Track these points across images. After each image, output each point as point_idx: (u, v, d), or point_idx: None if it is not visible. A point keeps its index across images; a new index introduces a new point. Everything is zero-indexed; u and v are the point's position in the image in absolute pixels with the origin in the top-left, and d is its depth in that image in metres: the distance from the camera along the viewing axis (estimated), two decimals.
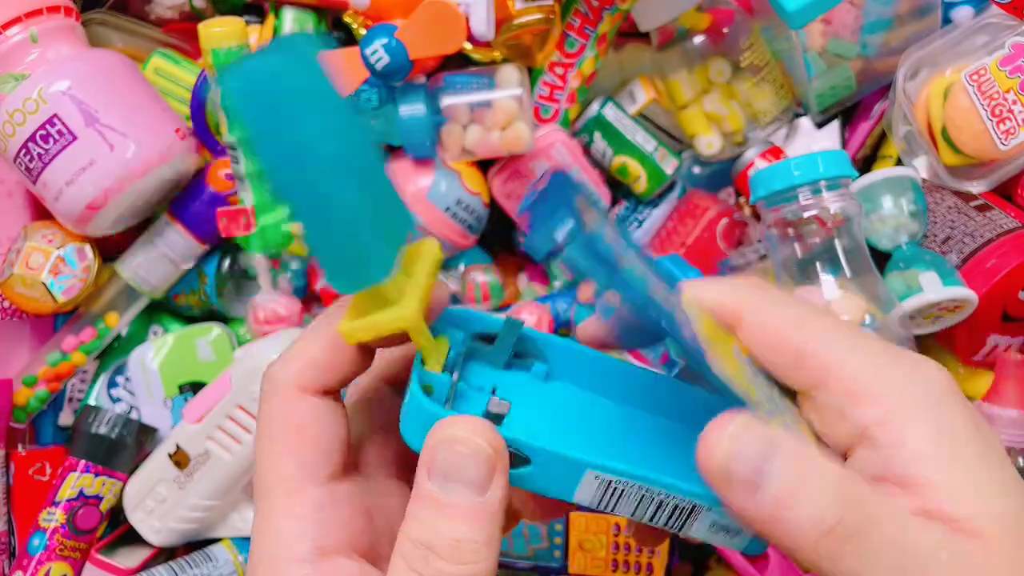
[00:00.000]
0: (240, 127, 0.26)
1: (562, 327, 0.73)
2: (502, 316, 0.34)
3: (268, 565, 0.28)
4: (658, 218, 0.74)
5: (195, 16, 0.74)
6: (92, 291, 0.69)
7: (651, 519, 0.30)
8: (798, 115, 0.76)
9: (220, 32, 0.61)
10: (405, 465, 0.33)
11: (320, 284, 0.70)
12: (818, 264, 0.58)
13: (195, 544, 0.66)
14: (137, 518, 0.64)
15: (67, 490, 0.65)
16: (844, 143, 0.76)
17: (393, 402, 0.32)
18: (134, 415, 0.71)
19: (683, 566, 0.73)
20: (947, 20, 0.71)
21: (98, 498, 0.65)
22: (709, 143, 0.73)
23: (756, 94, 0.71)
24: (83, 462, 0.65)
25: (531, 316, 0.69)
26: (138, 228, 0.70)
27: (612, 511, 0.30)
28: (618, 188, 0.75)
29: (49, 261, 0.66)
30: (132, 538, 0.67)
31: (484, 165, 0.72)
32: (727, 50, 0.70)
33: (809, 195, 0.58)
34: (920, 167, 0.72)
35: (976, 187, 0.70)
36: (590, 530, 0.64)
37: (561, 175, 0.30)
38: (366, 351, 0.30)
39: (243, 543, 0.64)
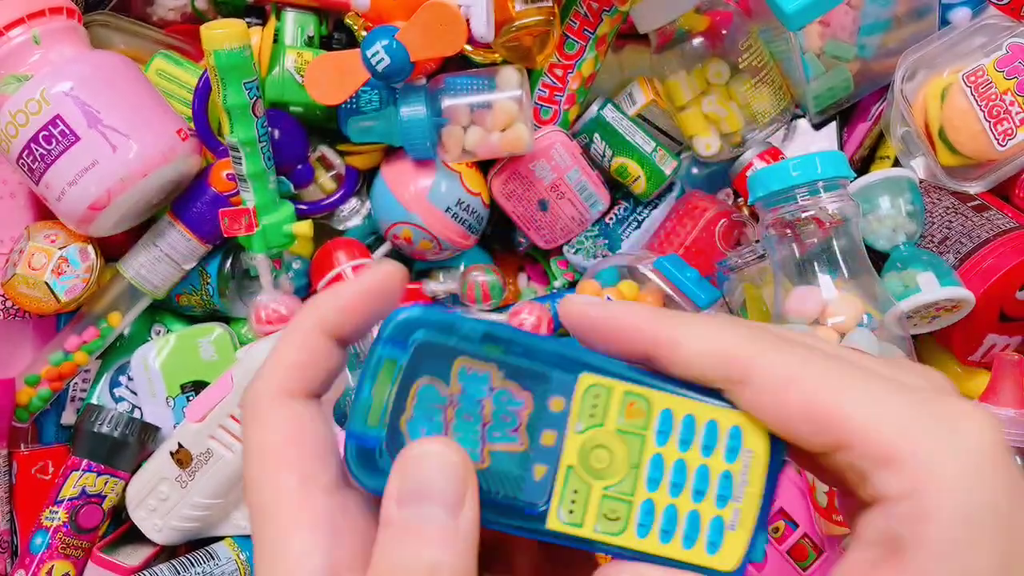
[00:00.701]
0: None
1: (562, 327, 0.73)
2: (464, 312, 0.31)
3: None
4: (657, 219, 0.74)
5: (197, 18, 0.74)
6: (95, 291, 0.69)
7: None
8: (796, 116, 0.76)
9: (222, 34, 0.61)
10: None
11: (320, 284, 0.71)
12: (816, 264, 0.59)
13: (197, 542, 0.66)
14: (139, 516, 0.64)
15: (69, 489, 0.65)
16: (842, 144, 0.76)
17: None
18: (136, 414, 0.71)
19: None
20: (945, 22, 0.71)
21: (100, 497, 0.65)
22: (708, 144, 0.73)
23: (754, 95, 0.71)
24: (85, 461, 0.65)
25: (531, 316, 0.69)
26: (140, 228, 0.70)
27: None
28: (617, 189, 0.75)
29: (52, 261, 0.66)
30: (134, 536, 0.67)
31: (484, 166, 0.72)
32: (726, 52, 0.70)
33: (807, 196, 0.59)
34: (918, 168, 0.72)
35: (973, 187, 0.70)
36: None
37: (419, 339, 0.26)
38: (343, 345, 0.28)
39: (245, 541, 0.64)
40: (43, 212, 0.70)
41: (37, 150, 0.62)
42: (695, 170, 0.78)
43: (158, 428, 0.69)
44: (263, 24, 0.72)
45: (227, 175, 0.68)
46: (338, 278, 0.69)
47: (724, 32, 0.70)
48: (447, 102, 0.65)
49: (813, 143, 0.76)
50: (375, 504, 0.26)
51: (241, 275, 0.73)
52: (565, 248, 0.75)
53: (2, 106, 0.62)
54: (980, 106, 0.66)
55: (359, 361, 0.64)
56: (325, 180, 0.73)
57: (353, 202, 0.74)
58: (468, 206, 0.70)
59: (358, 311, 0.28)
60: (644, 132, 0.73)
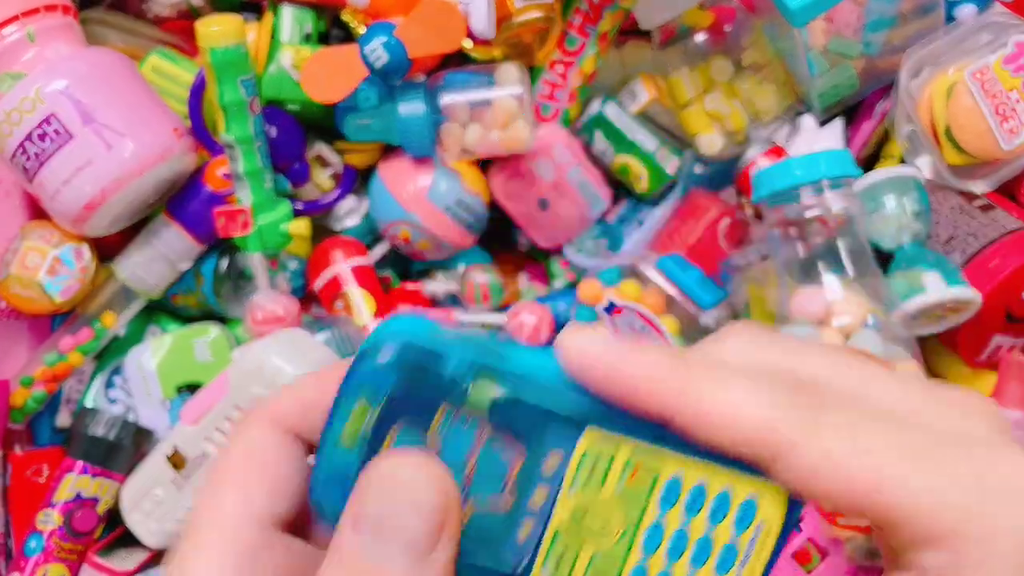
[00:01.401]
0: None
1: (563, 327, 0.73)
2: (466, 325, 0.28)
3: None
4: (659, 218, 0.74)
5: (193, 14, 0.74)
6: (89, 291, 0.69)
7: None
8: (800, 114, 0.76)
9: (218, 30, 0.61)
10: None
11: (318, 284, 0.70)
12: (820, 264, 0.59)
13: None
14: (134, 520, 0.64)
15: (64, 492, 0.65)
16: (847, 142, 0.76)
17: None
18: (131, 416, 0.70)
19: None
20: (950, 18, 0.71)
21: (95, 500, 0.65)
22: (711, 142, 0.73)
23: (758, 93, 0.71)
24: (80, 463, 0.65)
25: (531, 316, 0.69)
26: (135, 227, 0.70)
27: None
28: (619, 187, 0.75)
29: (46, 261, 0.66)
30: (129, 540, 0.66)
31: (484, 164, 0.72)
32: (729, 48, 0.70)
33: (811, 195, 0.59)
34: (923, 167, 0.72)
35: (979, 187, 0.70)
36: None
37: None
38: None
39: None
40: (38, 212, 0.70)
41: (31, 148, 0.61)
42: (698, 169, 0.77)
43: (153, 431, 0.69)
44: (259, 20, 0.72)
45: (222, 173, 0.68)
46: (335, 278, 0.69)
47: (727, 29, 0.70)
48: (446, 99, 0.65)
49: (817, 141, 0.75)
50: (315, 565, 0.23)
51: (237, 275, 0.73)
52: (566, 247, 0.75)
53: None
54: (986, 104, 0.66)
55: None
56: (322, 179, 0.73)
57: (351, 201, 0.74)
58: (467, 205, 0.70)
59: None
60: (646, 130, 0.72)
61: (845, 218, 0.58)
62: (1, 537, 0.68)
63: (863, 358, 0.25)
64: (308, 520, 0.26)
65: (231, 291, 0.73)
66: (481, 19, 0.61)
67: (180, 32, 0.74)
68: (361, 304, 0.68)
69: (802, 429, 0.22)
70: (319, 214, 0.73)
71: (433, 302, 0.73)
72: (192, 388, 0.69)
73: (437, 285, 0.72)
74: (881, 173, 0.67)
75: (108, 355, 0.73)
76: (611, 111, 0.72)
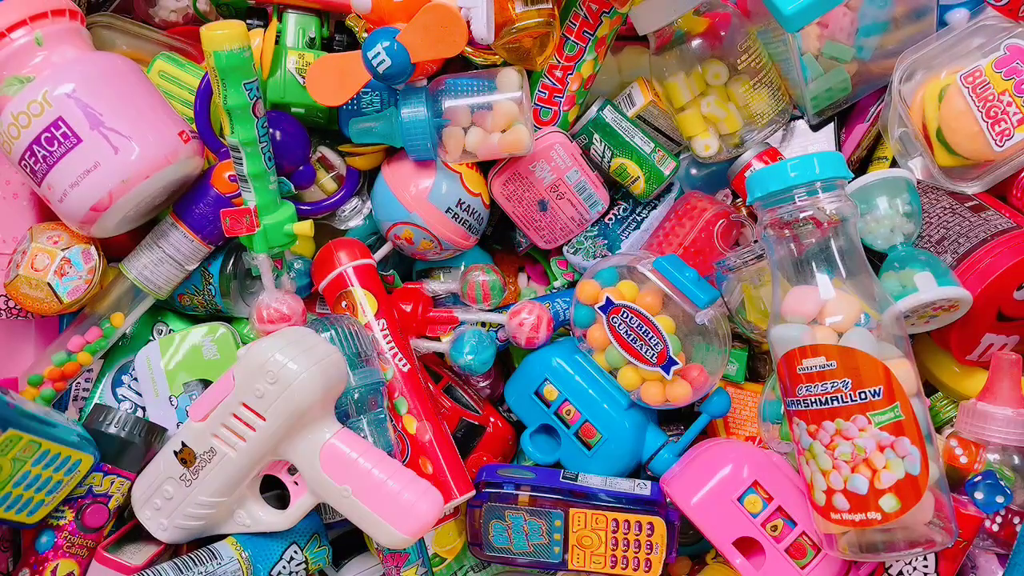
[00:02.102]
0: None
1: (562, 326, 0.74)
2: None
3: None
4: (656, 219, 0.74)
5: (199, 20, 0.74)
6: (97, 292, 0.69)
7: None
8: (794, 117, 0.76)
9: (222, 35, 0.61)
10: None
11: (322, 284, 0.71)
12: (814, 264, 0.59)
13: (199, 541, 0.66)
14: (145, 516, 0.64)
15: (76, 488, 0.65)
16: (840, 145, 0.76)
17: None
18: (139, 414, 0.71)
19: (681, 562, 0.74)
20: (943, 23, 0.71)
21: (107, 496, 0.65)
22: (706, 145, 0.73)
23: (753, 97, 0.71)
24: None
25: (531, 316, 0.69)
26: (143, 228, 0.70)
27: None
28: (617, 189, 0.75)
29: (55, 262, 0.66)
30: (138, 535, 0.67)
31: (485, 167, 0.72)
32: (724, 53, 0.70)
33: (805, 196, 0.59)
34: (915, 168, 0.72)
35: (971, 188, 0.70)
36: (589, 526, 0.65)
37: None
38: None
39: (247, 540, 0.64)
40: (46, 213, 0.71)
41: (39, 152, 0.62)
42: (694, 171, 0.78)
43: (164, 428, 0.69)
44: (264, 26, 0.72)
45: (229, 177, 0.68)
46: (339, 277, 0.69)
47: (723, 34, 0.70)
48: (448, 103, 0.66)
49: (811, 144, 0.76)
50: None
51: (243, 275, 0.73)
52: (565, 248, 0.75)
53: (4, 108, 0.62)
54: (978, 107, 0.66)
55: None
56: (326, 181, 0.73)
57: (354, 202, 0.74)
58: (468, 207, 0.70)
59: None
60: (643, 133, 0.73)
61: (838, 219, 0.59)
62: (8, 532, 0.69)
63: None
64: None
65: (237, 291, 0.73)
66: (482, 25, 0.61)
67: (186, 37, 0.75)
68: (364, 303, 0.69)
69: None
70: (323, 215, 0.73)
71: (435, 301, 0.73)
72: (199, 386, 0.70)
73: (438, 285, 0.73)
74: (873, 175, 0.68)
75: (116, 354, 0.74)
76: (609, 115, 0.72)
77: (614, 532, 0.65)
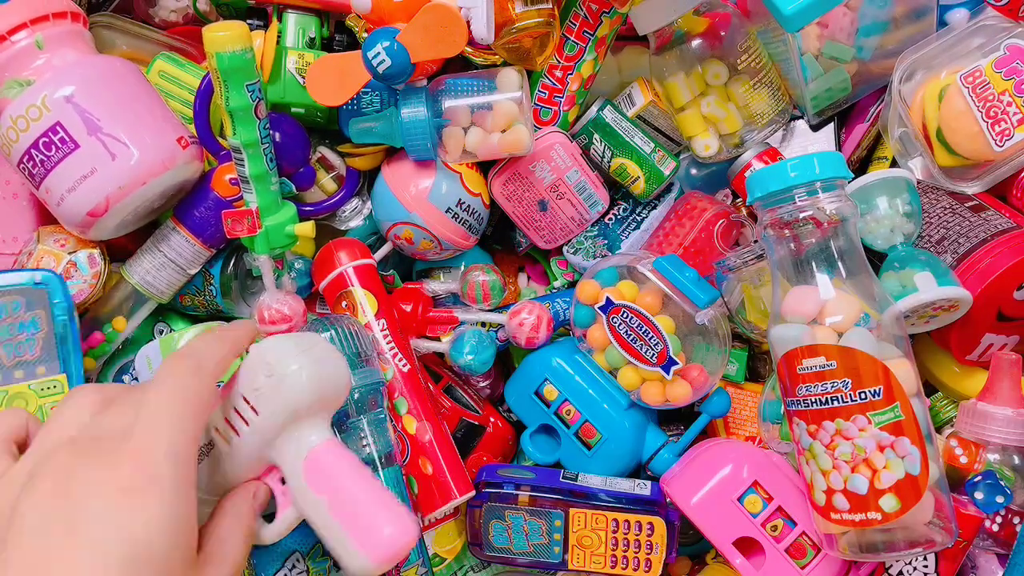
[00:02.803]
0: None
1: (562, 326, 0.74)
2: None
3: None
4: (656, 219, 0.74)
5: (199, 19, 0.75)
6: (100, 296, 0.69)
7: None
8: (794, 117, 0.76)
9: (224, 36, 0.61)
10: None
11: (322, 284, 0.71)
12: (814, 264, 0.59)
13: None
14: None
15: None
16: (840, 145, 0.76)
17: None
18: None
19: (681, 562, 0.74)
20: (943, 23, 0.71)
21: None
22: (706, 145, 0.73)
23: (753, 96, 0.71)
24: None
25: (531, 316, 0.69)
26: (147, 230, 0.70)
27: None
28: (617, 189, 0.75)
29: (60, 265, 0.67)
30: None
31: (485, 167, 0.72)
32: (724, 53, 0.70)
33: (805, 196, 0.59)
34: (915, 168, 0.72)
35: (971, 188, 0.70)
36: (589, 526, 0.65)
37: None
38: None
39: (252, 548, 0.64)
40: (45, 213, 0.71)
41: (37, 156, 0.62)
42: (694, 171, 0.78)
43: None
44: (264, 25, 0.72)
45: (230, 180, 0.68)
46: (340, 277, 0.69)
47: (723, 34, 0.70)
48: (448, 103, 0.66)
49: (811, 144, 0.76)
50: None
51: (244, 275, 0.74)
52: (565, 248, 0.75)
53: (3, 111, 0.62)
54: (978, 107, 0.66)
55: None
56: (326, 181, 0.73)
57: (354, 202, 0.74)
58: (468, 207, 0.70)
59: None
60: (643, 133, 0.73)
61: (838, 219, 0.59)
62: None
63: None
64: None
65: (238, 291, 0.73)
66: (481, 25, 0.61)
67: (186, 37, 0.75)
68: (364, 303, 0.69)
69: None
70: (324, 216, 0.74)
71: (435, 301, 0.73)
72: None
73: (438, 285, 0.73)
74: (873, 175, 0.68)
75: (116, 353, 0.73)
76: (609, 115, 0.72)
77: (614, 532, 0.65)
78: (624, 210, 0.75)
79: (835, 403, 0.57)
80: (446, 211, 0.69)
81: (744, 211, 0.76)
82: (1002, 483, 0.62)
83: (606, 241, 0.74)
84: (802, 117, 0.76)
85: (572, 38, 0.71)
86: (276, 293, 0.67)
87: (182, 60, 0.72)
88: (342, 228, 0.75)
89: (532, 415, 0.70)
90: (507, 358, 0.78)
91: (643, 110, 0.75)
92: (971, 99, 0.67)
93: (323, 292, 0.71)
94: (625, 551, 0.65)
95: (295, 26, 0.71)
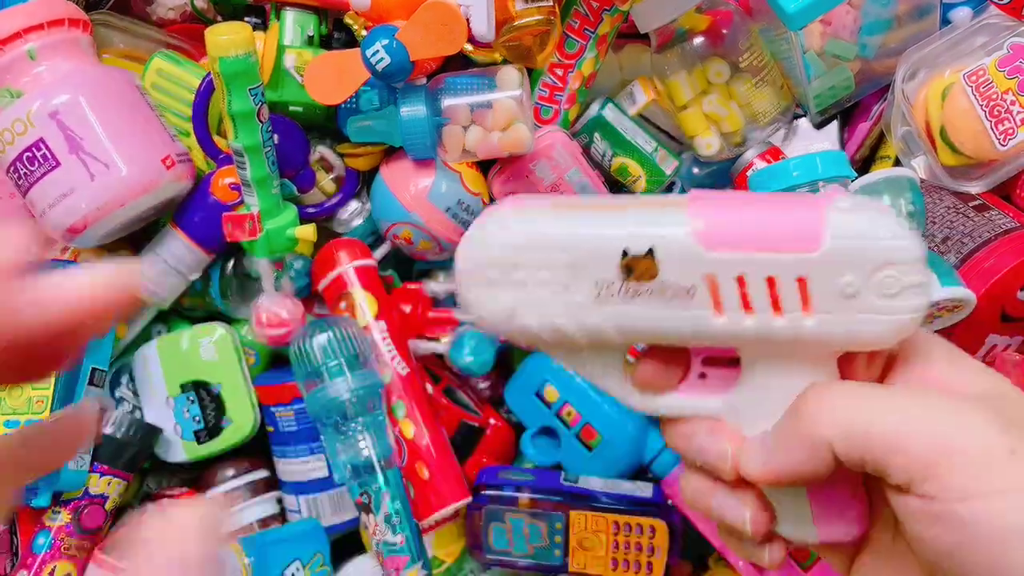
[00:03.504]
0: None
1: None
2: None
3: None
4: None
5: (196, 17, 0.74)
6: None
7: None
8: (797, 116, 0.76)
9: (227, 40, 0.60)
10: None
11: (322, 284, 0.71)
12: None
13: None
14: (479, 284, 0.37)
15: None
16: (843, 144, 0.76)
17: None
18: (137, 414, 0.71)
19: (683, 565, 0.74)
20: (946, 21, 0.71)
21: (103, 497, 0.65)
22: (708, 144, 0.73)
23: (755, 95, 0.71)
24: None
25: None
26: (149, 231, 0.70)
27: None
28: (618, 188, 0.75)
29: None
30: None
31: (485, 166, 0.72)
32: (726, 51, 0.70)
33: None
34: (918, 167, 0.72)
35: (974, 187, 0.70)
36: (590, 528, 0.65)
37: None
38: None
39: (252, 547, 0.64)
40: None
41: (21, 169, 0.62)
42: (696, 170, 0.78)
43: (161, 430, 0.69)
44: (263, 22, 0.72)
45: (229, 184, 0.67)
46: (339, 278, 0.69)
47: (725, 32, 0.70)
48: (447, 102, 0.65)
49: (814, 143, 0.76)
50: None
51: (243, 276, 0.73)
52: None
53: None
54: (981, 106, 0.66)
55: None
56: (325, 182, 0.73)
57: (354, 203, 0.74)
58: (468, 206, 0.70)
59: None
60: (645, 132, 0.73)
61: None
62: (7, 534, 0.69)
63: None
64: None
65: (237, 292, 0.73)
66: (481, 22, 0.61)
67: (184, 35, 0.75)
68: (364, 305, 0.69)
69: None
70: (323, 218, 0.73)
71: (434, 302, 0.73)
72: (197, 386, 0.70)
73: (438, 285, 0.73)
74: (876, 174, 0.67)
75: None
76: (610, 113, 0.72)
77: (615, 534, 0.65)
78: None
79: None
80: (446, 211, 0.69)
81: None
82: None
83: None
84: (805, 116, 0.76)
85: (573, 36, 0.70)
86: (275, 296, 0.67)
87: (180, 58, 0.72)
88: (341, 229, 0.74)
89: (532, 416, 0.70)
90: (507, 359, 0.78)
91: (644, 109, 0.75)
92: (974, 98, 0.66)
93: (323, 292, 0.71)
94: (626, 554, 0.65)
95: (293, 24, 0.71)
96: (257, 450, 0.72)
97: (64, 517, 0.64)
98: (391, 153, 0.71)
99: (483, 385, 0.77)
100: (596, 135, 0.73)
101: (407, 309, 0.71)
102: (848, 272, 0.33)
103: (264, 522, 0.70)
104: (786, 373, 0.35)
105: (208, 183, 0.68)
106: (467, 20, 0.61)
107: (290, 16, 0.71)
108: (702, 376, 0.37)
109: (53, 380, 0.62)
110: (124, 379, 0.72)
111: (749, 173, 0.73)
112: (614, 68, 0.77)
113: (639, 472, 0.71)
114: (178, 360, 0.70)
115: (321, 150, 0.72)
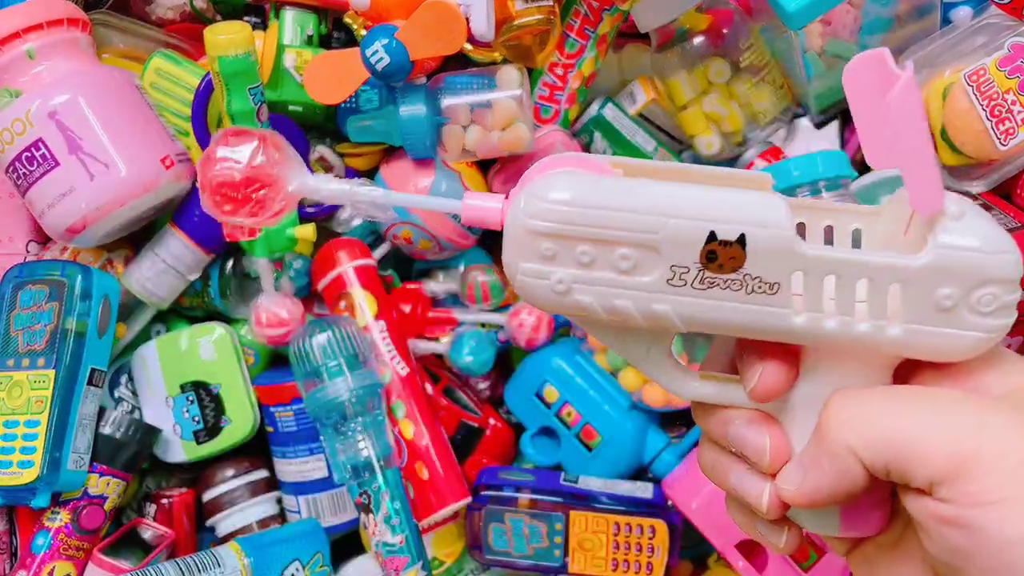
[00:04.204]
0: None
1: (562, 326, 0.73)
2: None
3: None
4: None
5: (196, 17, 0.74)
6: None
7: None
8: (797, 115, 0.76)
9: (227, 39, 0.60)
10: None
11: (321, 284, 0.71)
12: None
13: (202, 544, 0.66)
14: (541, 259, 0.35)
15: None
16: (843, 144, 0.76)
17: None
18: (136, 414, 0.71)
19: (683, 565, 0.74)
20: (946, 21, 0.71)
21: (103, 498, 0.65)
22: (709, 143, 0.73)
23: (755, 95, 0.71)
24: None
25: (530, 316, 0.69)
26: (149, 232, 0.70)
27: None
28: None
29: (99, 262, 0.67)
30: (134, 538, 0.67)
31: (484, 165, 0.72)
32: (726, 51, 0.70)
33: (808, 195, 0.59)
34: None
35: (975, 187, 0.70)
36: (590, 529, 0.65)
37: None
38: None
39: (252, 548, 0.64)
40: None
41: (20, 169, 0.62)
42: None
43: (160, 430, 0.69)
44: (262, 22, 0.71)
45: None
46: (339, 278, 0.69)
47: (725, 31, 0.70)
48: (447, 101, 0.65)
49: (814, 142, 0.76)
50: None
51: (242, 276, 0.73)
52: None
53: None
54: (982, 105, 0.66)
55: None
56: None
57: None
58: None
59: None
60: (645, 131, 0.73)
61: None
62: (6, 535, 0.69)
63: None
64: None
65: (236, 292, 0.73)
66: (481, 22, 0.61)
67: (183, 34, 0.74)
68: (364, 305, 0.69)
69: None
70: (323, 217, 0.73)
71: (434, 302, 0.73)
72: (196, 386, 0.69)
73: (438, 285, 0.73)
74: (877, 174, 0.68)
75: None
76: (610, 113, 0.72)
77: (615, 535, 0.64)
78: None
79: None
80: None
81: None
82: None
83: None
84: (805, 115, 0.76)
85: (573, 35, 0.70)
86: (274, 296, 0.67)
87: (179, 58, 0.72)
88: (340, 229, 0.74)
89: (532, 417, 0.70)
90: (507, 359, 0.78)
91: (645, 108, 0.75)
92: (975, 98, 0.66)
93: (322, 292, 0.70)
94: (626, 554, 0.65)
95: (293, 23, 0.71)
96: (257, 450, 0.72)
97: (63, 517, 0.64)
98: (391, 153, 0.71)
99: (483, 385, 0.77)
100: (596, 135, 0.73)
101: (407, 309, 0.71)
102: (948, 284, 0.31)
103: (263, 522, 0.70)
104: (842, 374, 0.33)
105: None
106: (467, 19, 0.61)
107: (289, 15, 0.71)
108: None
109: (53, 380, 0.62)
110: (123, 379, 0.72)
111: None
112: (614, 68, 0.77)
113: (639, 472, 0.70)
114: (177, 360, 0.70)
115: (321, 150, 0.72)
